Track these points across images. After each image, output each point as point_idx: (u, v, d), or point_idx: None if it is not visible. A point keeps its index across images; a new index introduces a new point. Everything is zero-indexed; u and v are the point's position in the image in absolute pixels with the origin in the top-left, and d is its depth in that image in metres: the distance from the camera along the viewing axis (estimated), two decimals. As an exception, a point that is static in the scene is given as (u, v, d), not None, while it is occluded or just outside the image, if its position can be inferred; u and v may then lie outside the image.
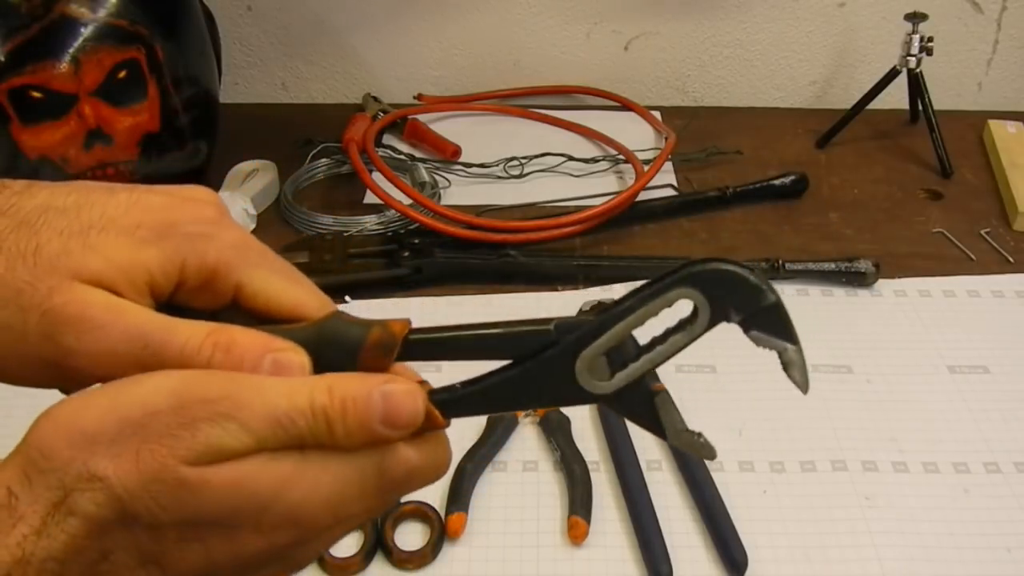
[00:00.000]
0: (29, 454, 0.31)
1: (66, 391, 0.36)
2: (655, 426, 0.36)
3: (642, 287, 0.35)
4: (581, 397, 0.35)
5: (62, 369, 0.34)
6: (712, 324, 0.35)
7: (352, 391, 0.33)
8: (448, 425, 0.35)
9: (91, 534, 0.30)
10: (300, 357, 0.35)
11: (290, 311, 0.37)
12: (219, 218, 0.37)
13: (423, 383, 0.36)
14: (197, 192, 0.38)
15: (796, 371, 0.35)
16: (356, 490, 0.33)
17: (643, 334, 0.36)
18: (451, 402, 0.35)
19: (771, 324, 0.35)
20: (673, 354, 0.35)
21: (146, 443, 0.31)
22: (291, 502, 0.32)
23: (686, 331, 0.35)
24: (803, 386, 0.35)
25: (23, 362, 0.34)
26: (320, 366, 0.35)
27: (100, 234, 0.35)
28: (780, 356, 0.35)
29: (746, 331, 0.35)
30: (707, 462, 0.69)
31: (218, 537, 0.32)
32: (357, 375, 0.34)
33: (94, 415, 0.31)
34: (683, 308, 0.35)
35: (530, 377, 0.35)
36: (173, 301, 0.36)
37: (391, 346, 0.36)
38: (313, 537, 0.34)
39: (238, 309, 0.37)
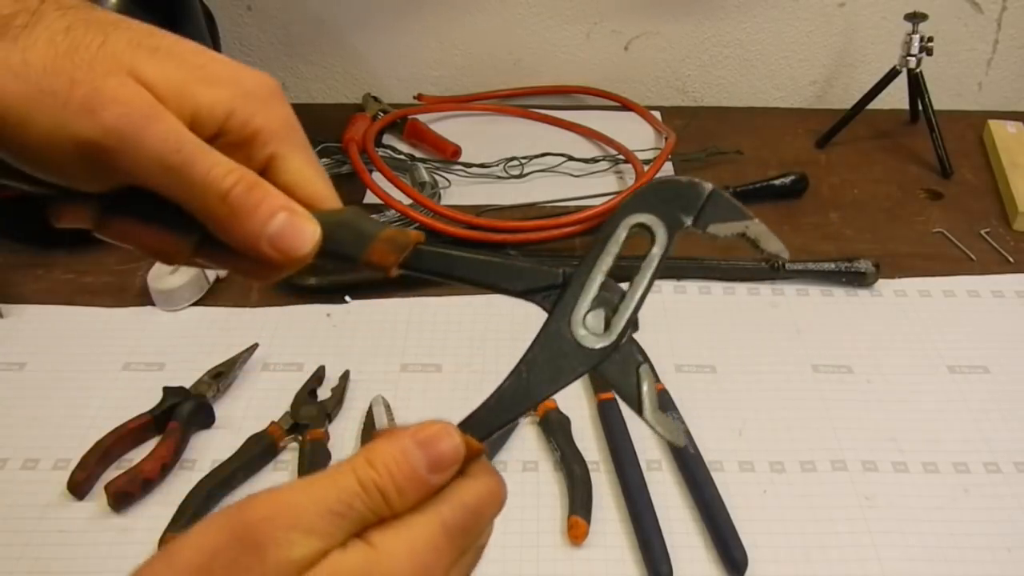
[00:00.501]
0: None
1: (86, 187, 0.36)
2: (634, 399, 0.36)
3: (595, 237, 0.36)
4: (591, 358, 0.35)
5: (92, 153, 0.34)
6: (671, 236, 0.36)
7: (390, 453, 0.33)
8: (485, 449, 0.35)
9: None
10: (313, 226, 0.36)
11: (310, 202, 0.37)
12: (277, 94, 0.38)
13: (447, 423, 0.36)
14: (263, 73, 0.39)
15: (769, 242, 0.36)
16: (431, 553, 0.33)
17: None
18: (477, 423, 0.35)
19: (721, 211, 0.36)
20: (652, 278, 0.36)
21: None
22: None
23: (652, 253, 0.36)
24: (783, 251, 0.36)
25: (57, 136, 0.33)
26: (329, 246, 0.36)
27: (166, 56, 0.35)
28: (747, 235, 0.36)
29: (704, 229, 0.36)
30: (707, 462, 0.69)
31: None
32: (383, 438, 0.33)
33: None
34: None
35: (537, 363, 0.35)
36: None
37: (403, 245, 0.37)
38: None
39: None
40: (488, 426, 0.35)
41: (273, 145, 0.37)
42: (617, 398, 0.71)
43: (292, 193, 0.37)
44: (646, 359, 0.36)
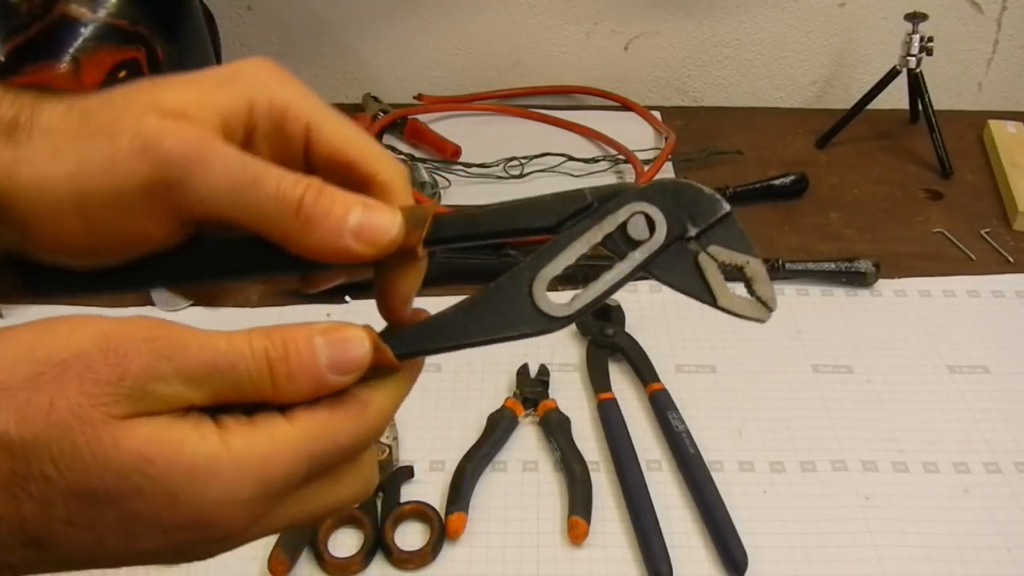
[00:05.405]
0: None
1: (164, 241, 0.34)
2: (705, 291, 0.33)
3: (598, 207, 0.34)
4: (541, 322, 0.33)
5: (157, 193, 0.32)
6: (670, 238, 0.33)
7: (294, 335, 0.31)
8: (399, 366, 0.33)
9: None
10: (392, 212, 0.33)
11: (362, 159, 0.36)
12: (280, 68, 0.36)
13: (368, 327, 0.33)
14: (254, 57, 0.37)
15: (761, 286, 0.34)
16: (282, 478, 0.30)
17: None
18: (401, 340, 0.33)
19: (729, 237, 0.34)
20: (633, 271, 0.34)
21: (63, 390, 0.28)
22: (205, 500, 0.29)
23: (644, 247, 0.34)
24: (771, 302, 0.34)
25: (119, 195, 0.32)
26: None
27: (173, 83, 0.34)
28: (743, 272, 0.34)
29: (704, 247, 0.33)
30: (707, 462, 0.69)
31: (112, 529, 0.29)
32: (297, 324, 0.32)
33: (8, 356, 0.28)
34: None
35: (487, 304, 0.34)
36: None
37: (422, 219, 0.34)
38: (222, 539, 0.31)
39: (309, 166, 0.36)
40: (412, 347, 0.33)
41: (305, 116, 0.35)
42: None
43: (342, 155, 0.36)
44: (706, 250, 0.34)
